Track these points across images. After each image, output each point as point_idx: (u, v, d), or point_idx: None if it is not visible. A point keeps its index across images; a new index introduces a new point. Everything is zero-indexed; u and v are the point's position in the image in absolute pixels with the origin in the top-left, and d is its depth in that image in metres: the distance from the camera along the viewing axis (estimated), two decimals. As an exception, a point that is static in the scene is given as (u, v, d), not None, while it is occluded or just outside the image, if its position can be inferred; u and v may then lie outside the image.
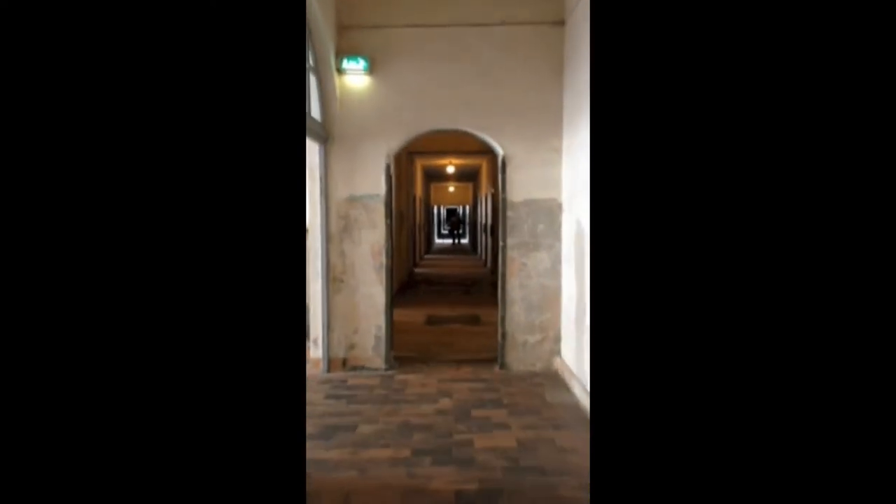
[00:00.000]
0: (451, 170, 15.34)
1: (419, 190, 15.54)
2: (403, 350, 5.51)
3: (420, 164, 14.58)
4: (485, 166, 14.33)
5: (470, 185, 23.25)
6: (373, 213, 4.76)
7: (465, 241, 27.26)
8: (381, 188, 4.76)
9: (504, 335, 4.81)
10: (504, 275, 4.79)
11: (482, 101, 4.69)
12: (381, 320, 4.81)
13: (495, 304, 8.58)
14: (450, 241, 27.14)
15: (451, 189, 25.61)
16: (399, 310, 7.87)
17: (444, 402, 3.99)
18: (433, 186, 24.30)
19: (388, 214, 4.80)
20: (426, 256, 18.14)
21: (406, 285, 10.64)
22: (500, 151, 4.78)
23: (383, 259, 4.78)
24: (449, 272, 13.27)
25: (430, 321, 7.08)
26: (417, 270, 13.56)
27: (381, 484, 2.83)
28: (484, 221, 15.08)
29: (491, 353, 5.31)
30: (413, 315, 7.52)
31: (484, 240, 15.21)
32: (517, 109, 4.68)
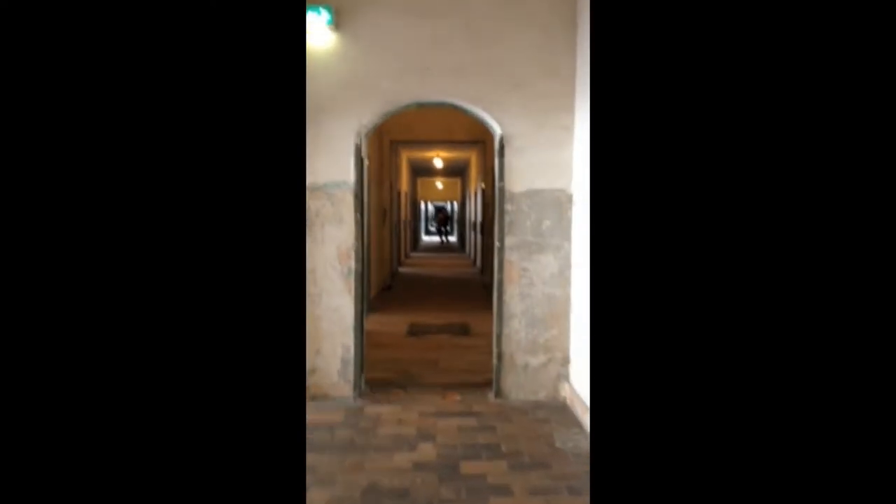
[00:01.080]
0: (438, 163, 14.44)
1: (405, 184, 14.63)
2: (379, 371, 4.60)
3: (405, 155, 13.67)
4: (474, 159, 13.46)
5: (458, 181, 22.49)
6: (339, 205, 3.84)
7: (453, 238, 26.46)
8: (350, 175, 3.84)
9: (500, 356, 3.91)
10: (501, 282, 3.90)
11: (476, 66, 3.78)
12: (349, 338, 3.90)
13: (486, 309, 7.73)
14: (437, 238, 26.30)
15: (439, 185, 24.77)
16: (377, 316, 6.97)
17: (426, 449, 3.09)
18: (420, 181, 23.47)
19: (359, 207, 3.88)
20: (412, 254, 17.24)
21: (388, 287, 9.73)
22: (497, 130, 3.88)
23: (352, 263, 3.86)
24: (436, 272, 12.37)
25: (413, 331, 6.18)
26: (402, 270, 12.66)
27: None
28: (473, 219, 14.22)
29: (484, 376, 4.42)
30: (393, 323, 6.61)
31: (473, 238, 14.37)
32: (519, 77, 3.78)
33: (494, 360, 3.94)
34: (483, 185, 10.56)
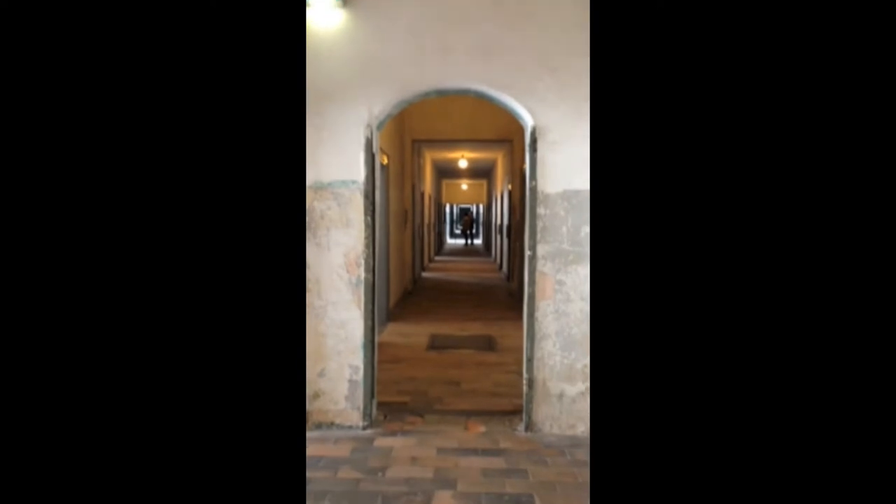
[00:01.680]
0: (463, 164, 13.97)
1: (429, 186, 14.17)
2: (393, 392, 4.11)
3: (429, 156, 13.22)
4: (500, 160, 12.94)
5: (484, 183, 22.05)
6: (347, 206, 3.37)
7: (478, 241, 25.96)
8: (360, 172, 3.36)
9: (531, 383, 3.38)
10: (532, 297, 3.37)
11: (503, 46, 3.27)
12: (357, 358, 3.41)
13: (513, 320, 7.20)
14: (462, 241, 25.82)
15: (464, 187, 24.34)
16: (397, 326, 6.50)
17: (444, 501, 2.58)
18: (445, 183, 23.09)
19: (370, 209, 3.40)
20: (436, 258, 16.78)
21: (410, 293, 9.26)
22: (528, 121, 3.36)
23: (362, 272, 3.39)
24: (460, 277, 11.87)
25: (434, 344, 5.68)
26: (425, 275, 12.19)
27: None
28: (499, 222, 13.70)
29: (511, 400, 3.90)
30: (413, 334, 6.12)
31: (499, 241, 13.85)
32: (553, 59, 3.25)
33: (525, 388, 3.41)
34: (510, 187, 10.05)
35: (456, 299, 8.81)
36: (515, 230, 9.10)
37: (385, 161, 6.58)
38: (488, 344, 5.72)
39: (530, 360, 3.37)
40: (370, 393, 3.46)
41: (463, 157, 12.93)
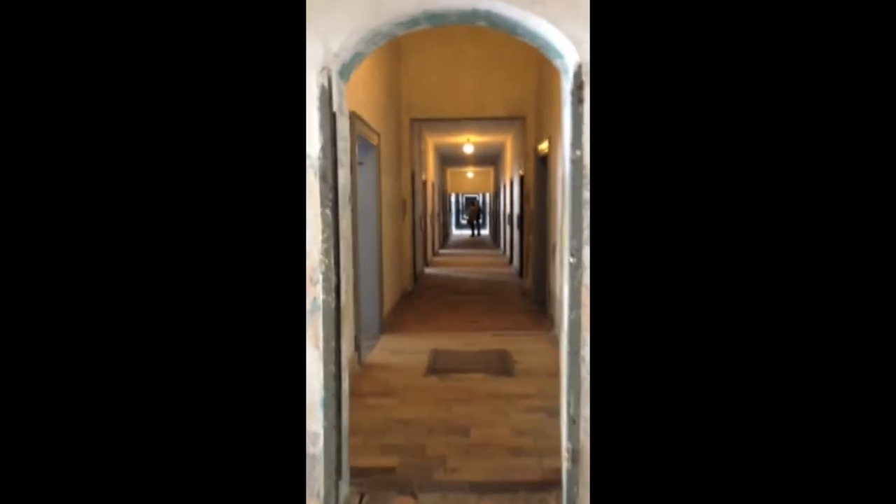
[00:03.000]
0: (469, 149, 12.81)
1: (431, 174, 13.02)
2: (377, 450, 3.00)
3: (432, 141, 12.07)
4: (510, 144, 11.77)
5: (490, 170, 20.93)
6: (295, 194, 2.22)
7: (485, 231, 24.83)
8: (314, 141, 2.22)
9: (576, 455, 2.25)
10: (576, 324, 2.23)
11: (532, -62, 2.11)
12: (316, 420, 2.30)
13: (530, 328, 6.03)
14: (469, 232, 24.68)
15: (470, 175, 23.20)
16: (390, 340, 5.36)
17: None
18: (449, 172, 21.98)
19: (331, 197, 2.26)
20: (441, 251, 15.65)
21: (410, 293, 8.15)
22: (569, 59, 2.21)
23: (320, 292, 2.26)
24: (467, 273, 10.73)
25: (436, 366, 4.55)
26: (429, 271, 11.07)
27: None
28: (509, 211, 12.54)
29: (540, 461, 2.79)
30: (410, 350, 5.00)
31: (509, 232, 12.70)
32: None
33: (565, 462, 2.28)
34: (521, 172, 8.88)
35: (462, 301, 7.68)
36: (528, 221, 7.96)
37: (375, 141, 5.43)
38: (503, 364, 4.59)
39: (574, 421, 2.24)
40: (335, 471, 2.34)
41: (468, 140, 11.77)
